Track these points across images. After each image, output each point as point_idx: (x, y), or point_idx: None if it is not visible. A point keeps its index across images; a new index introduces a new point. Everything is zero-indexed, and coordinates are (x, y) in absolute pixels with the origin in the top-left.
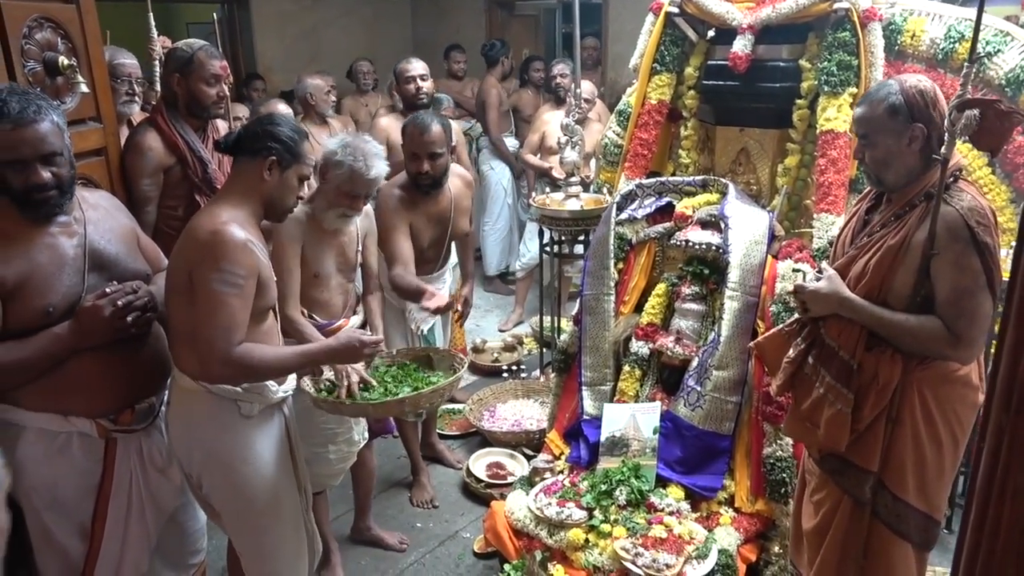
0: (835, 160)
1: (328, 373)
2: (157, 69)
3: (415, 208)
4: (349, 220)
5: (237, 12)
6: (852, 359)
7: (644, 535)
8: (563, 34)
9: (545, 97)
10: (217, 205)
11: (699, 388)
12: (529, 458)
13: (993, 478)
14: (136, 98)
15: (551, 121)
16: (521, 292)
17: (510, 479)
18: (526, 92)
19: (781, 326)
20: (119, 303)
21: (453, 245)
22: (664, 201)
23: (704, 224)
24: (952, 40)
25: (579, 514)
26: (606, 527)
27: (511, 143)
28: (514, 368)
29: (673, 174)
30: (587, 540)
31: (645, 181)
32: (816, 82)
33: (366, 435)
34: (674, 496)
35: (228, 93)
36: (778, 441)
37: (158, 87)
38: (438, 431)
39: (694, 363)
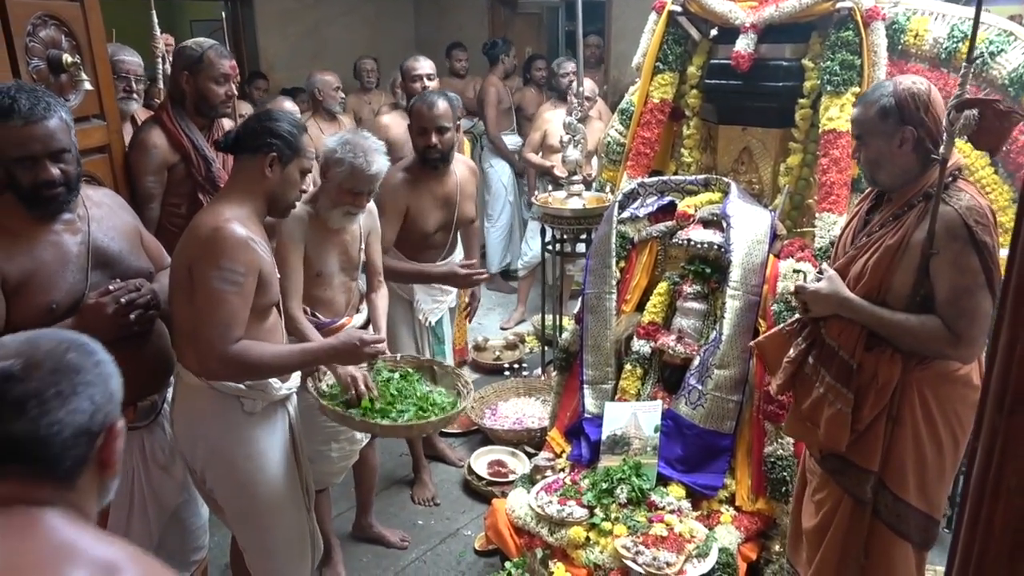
0: (837, 159)
1: (329, 378)
2: (160, 66)
3: (419, 189)
4: (353, 218)
5: (240, 10)
6: (852, 359)
7: (645, 533)
8: (566, 32)
9: (548, 95)
10: (220, 203)
11: (700, 387)
12: (530, 456)
13: (987, 478)
14: (135, 95)
15: (552, 120)
16: (523, 290)
17: (511, 477)
18: (529, 90)
19: (782, 325)
20: (122, 300)
21: (460, 238)
22: (666, 200)
23: (706, 223)
24: (955, 39)
25: (580, 512)
26: (607, 525)
27: (513, 141)
28: (516, 366)
29: (675, 173)
30: (588, 538)
31: (647, 180)
32: (819, 81)
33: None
34: (675, 494)
35: (236, 93)
36: (779, 440)
37: (161, 84)
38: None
39: (695, 362)
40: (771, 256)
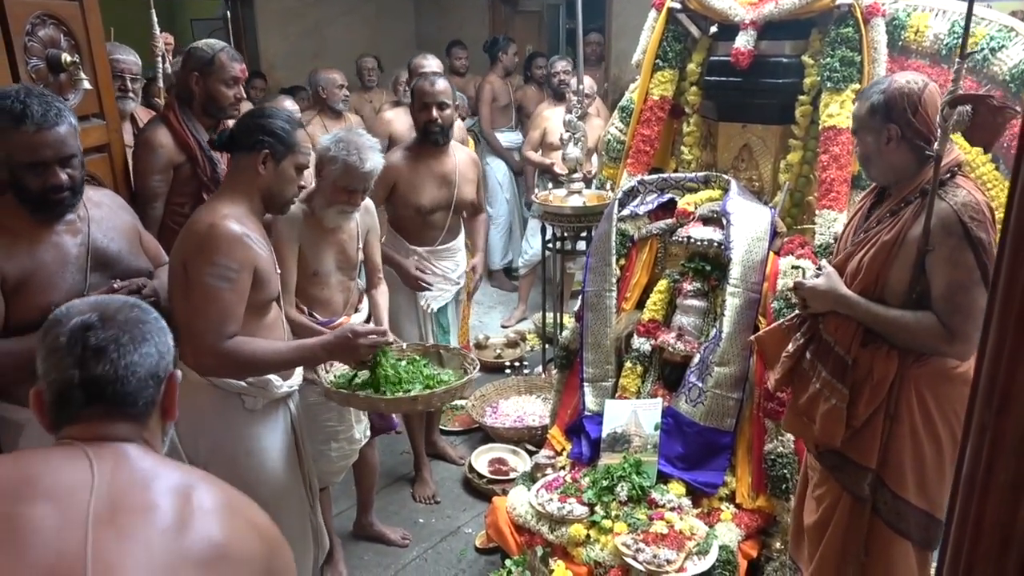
0: (837, 156)
1: (337, 369)
2: (159, 65)
3: (416, 164)
4: (349, 216)
5: (241, 9)
6: (847, 355)
7: (645, 531)
8: (567, 30)
9: (548, 93)
10: (216, 201)
11: (700, 384)
12: (531, 454)
13: (976, 475)
14: (131, 94)
15: (551, 117)
16: (524, 289)
17: (512, 475)
18: (529, 88)
19: (782, 320)
20: None
21: (465, 229)
22: (666, 197)
23: (706, 220)
24: (956, 35)
25: (580, 510)
26: (607, 523)
27: (510, 138)
28: (517, 364)
29: (675, 170)
30: (588, 536)
31: (647, 177)
32: (819, 78)
33: (368, 433)
34: (675, 492)
35: (244, 96)
36: (779, 437)
37: (160, 83)
38: (441, 427)
39: (695, 359)
40: (771, 253)
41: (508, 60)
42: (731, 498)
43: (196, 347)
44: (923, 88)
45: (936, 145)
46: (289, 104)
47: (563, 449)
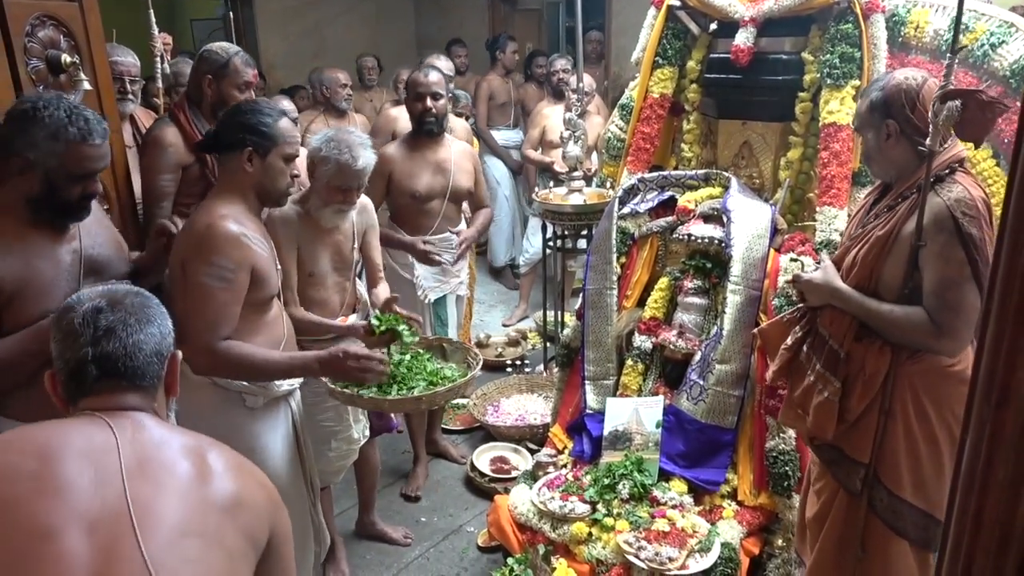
0: (838, 153)
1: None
2: (158, 65)
3: (411, 153)
4: (345, 215)
5: (241, 9)
6: (841, 348)
7: (647, 529)
8: (566, 28)
9: (548, 91)
10: (212, 201)
11: (702, 382)
12: (533, 452)
13: (975, 471)
14: (130, 96)
15: (551, 116)
16: (525, 287)
17: (514, 473)
18: (530, 87)
19: (784, 314)
20: None
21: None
22: (666, 195)
23: (706, 218)
24: None
25: (582, 508)
26: (609, 521)
27: (508, 137)
28: (518, 363)
29: (675, 168)
30: (590, 534)
31: (647, 175)
32: (819, 75)
33: (367, 433)
34: (677, 490)
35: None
36: (781, 434)
37: (160, 83)
38: (442, 426)
39: (697, 357)
40: (772, 250)
41: (508, 58)
42: (733, 495)
43: (191, 346)
44: (921, 84)
45: (928, 141)
46: (287, 104)
47: (565, 447)
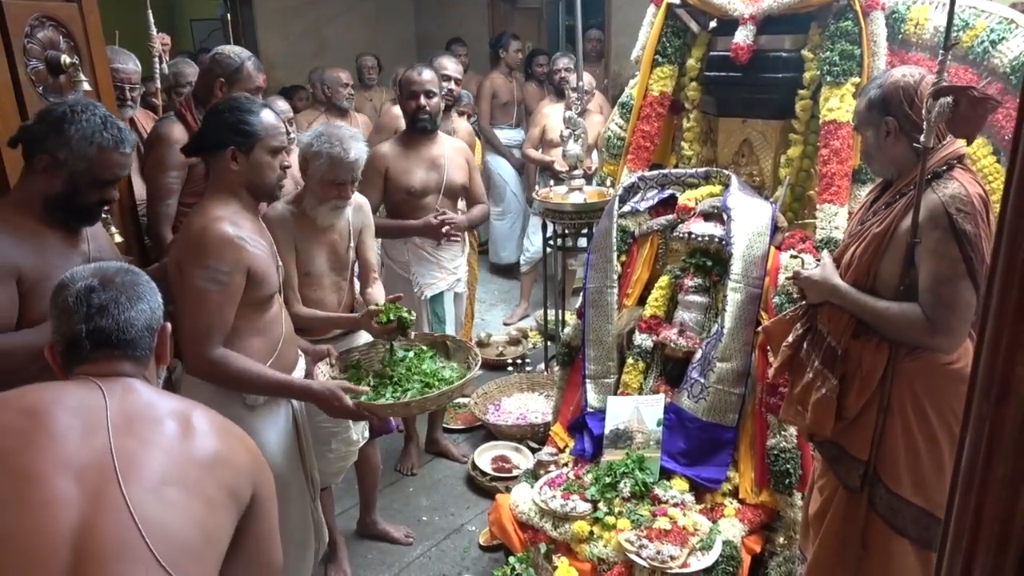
0: (838, 150)
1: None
2: (156, 66)
3: (405, 150)
4: (341, 211)
5: (240, 9)
6: (838, 345)
7: (648, 527)
8: (566, 27)
9: (549, 90)
10: (207, 202)
11: (703, 380)
12: (534, 451)
13: (975, 468)
14: (129, 103)
15: (551, 115)
16: (526, 286)
17: (515, 472)
18: (530, 86)
19: (787, 311)
20: None
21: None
22: (667, 193)
23: (707, 216)
24: (956, 28)
25: (583, 506)
26: (610, 519)
27: (514, 136)
28: (519, 362)
29: (676, 166)
30: (591, 532)
31: (647, 173)
32: (818, 72)
33: (367, 434)
34: (678, 488)
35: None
36: (782, 432)
37: (158, 83)
38: (443, 425)
39: (697, 355)
40: (772, 248)
41: (511, 57)
42: (734, 493)
43: (186, 348)
44: (920, 81)
45: (923, 138)
46: (281, 104)
47: (566, 446)
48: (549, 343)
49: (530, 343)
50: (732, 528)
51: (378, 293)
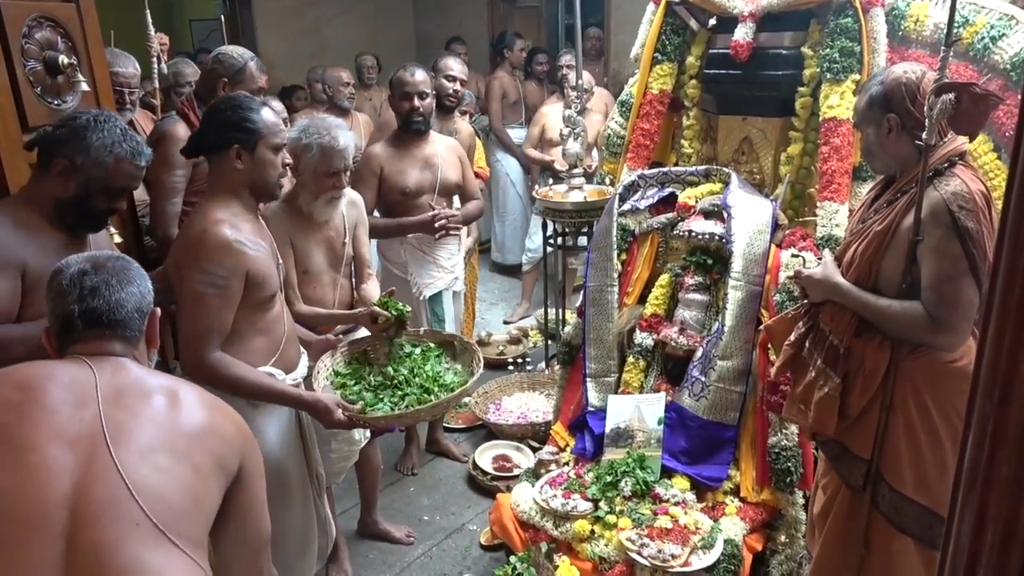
0: (838, 148)
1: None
2: (155, 66)
3: (399, 151)
4: (337, 204)
5: (239, 9)
6: (841, 344)
7: (649, 526)
8: (566, 25)
9: (549, 89)
10: (207, 204)
11: (703, 378)
12: (535, 450)
13: (978, 468)
14: (128, 106)
15: (551, 114)
16: (527, 285)
17: (516, 471)
18: (531, 84)
19: (789, 310)
20: None
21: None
22: (667, 191)
23: (707, 214)
24: (956, 24)
25: (584, 505)
26: (611, 518)
27: (522, 135)
28: (519, 361)
29: (676, 164)
30: (593, 531)
31: (647, 172)
32: (818, 69)
33: (367, 434)
34: (679, 487)
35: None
36: (783, 430)
37: (156, 83)
38: (444, 424)
39: (698, 353)
40: (773, 246)
41: (516, 56)
42: (735, 492)
43: (183, 350)
44: (921, 77)
45: (924, 135)
46: (276, 104)
47: (566, 445)
48: (550, 342)
49: (531, 342)
50: (733, 527)
51: (373, 289)
